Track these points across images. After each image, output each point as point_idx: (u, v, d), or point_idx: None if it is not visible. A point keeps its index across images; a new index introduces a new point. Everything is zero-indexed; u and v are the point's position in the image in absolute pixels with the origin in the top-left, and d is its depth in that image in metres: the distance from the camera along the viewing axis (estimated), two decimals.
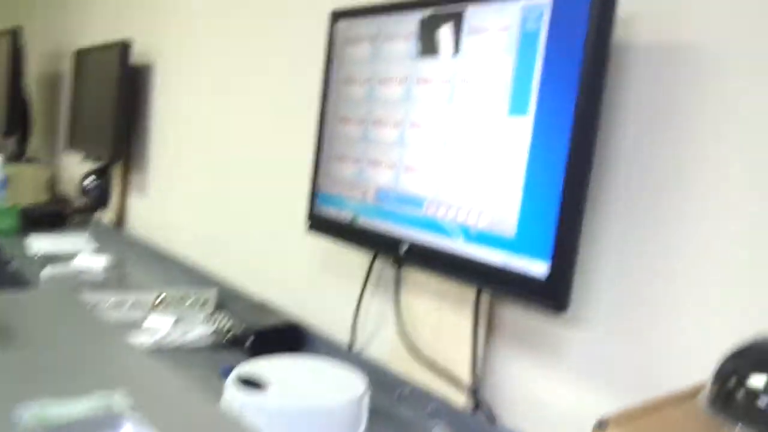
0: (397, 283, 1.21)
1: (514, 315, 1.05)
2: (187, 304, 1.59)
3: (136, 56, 2.39)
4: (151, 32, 2.36)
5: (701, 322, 0.83)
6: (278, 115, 1.68)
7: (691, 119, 0.84)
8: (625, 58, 0.91)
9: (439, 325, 1.13)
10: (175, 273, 1.94)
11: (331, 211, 1.25)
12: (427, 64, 1.04)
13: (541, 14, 0.87)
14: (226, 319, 1.47)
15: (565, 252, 0.83)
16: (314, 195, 1.30)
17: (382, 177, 1.12)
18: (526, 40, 0.89)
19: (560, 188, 0.83)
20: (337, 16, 1.25)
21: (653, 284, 0.88)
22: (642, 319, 0.89)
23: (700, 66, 0.83)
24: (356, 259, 1.39)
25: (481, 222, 0.94)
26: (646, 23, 0.89)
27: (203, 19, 2.07)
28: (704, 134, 0.83)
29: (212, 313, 1.54)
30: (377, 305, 1.32)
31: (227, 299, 1.65)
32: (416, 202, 1.05)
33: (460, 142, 0.98)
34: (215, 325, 1.43)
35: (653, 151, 0.88)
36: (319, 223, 1.28)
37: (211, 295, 1.63)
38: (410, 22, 1.08)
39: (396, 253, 1.07)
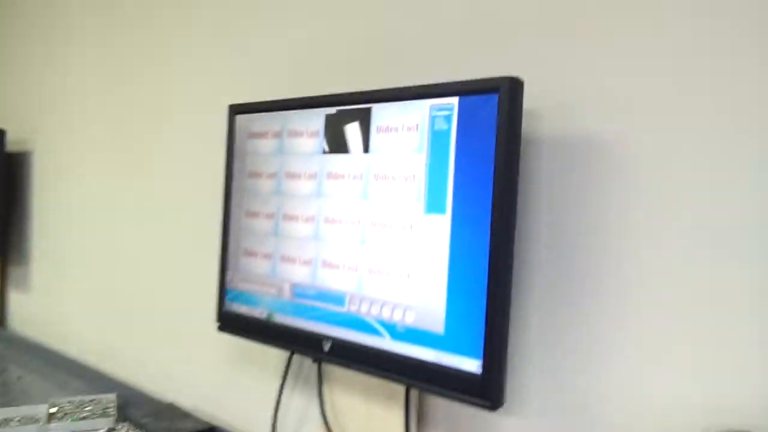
0: (320, 378, 1.18)
1: (445, 406, 1.04)
2: (85, 413, 1.46)
3: (12, 144, 2.24)
4: (29, 119, 2.22)
5: (631, 406, 0.85)
6: (179, 205, 1.61)
7: (600, 206, 0.89)
8: (532, 151, 0.95)
9: (368, 421, 1.11)
10: (69, 377, 1.79)
11: (243, 309, 1.20)
12: (338, 160, 1.04)
13: (450, 114, 0.89)
14: (132, 427, 1.36)
15: (496, 349, 0.83)
16: (223, 292, 1.24)
17: (297, 273, 1.10)
18: (437, 139, 0.91)
19: (485, 284, 0.84)
20: (235, 110, 1.23)
21: (579, 367, 0.90)
22: (573, 403, 0.90)
23: (604, 155, 0.88)
24: (272, 353, 1.34)
25: (407, 319, 0.93)
26: (549, 117, 0.93)
27: (84, 101, 1.98)
28: (614, 220, 0.87)
29: (116, 421, 1.43)
30: (298, 401, 1.28)
31: (131, 403, 1.54)
32: (337, 298, 1.03)
33: (379, 238, 0.97)
34: None
35: (567, 240, 0.91)
36: (230, 322, 1.22)
37: (113, 400, 1.52)
38: (315, 119, 1.08)
39: (319, 352, 1.04)
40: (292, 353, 1.25)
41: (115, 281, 1.82)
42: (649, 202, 0.84)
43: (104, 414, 1.45)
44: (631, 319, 0.85)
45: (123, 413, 1.47)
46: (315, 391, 1.23)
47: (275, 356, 1.33)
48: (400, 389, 1.05)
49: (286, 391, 1.30)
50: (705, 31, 0.80)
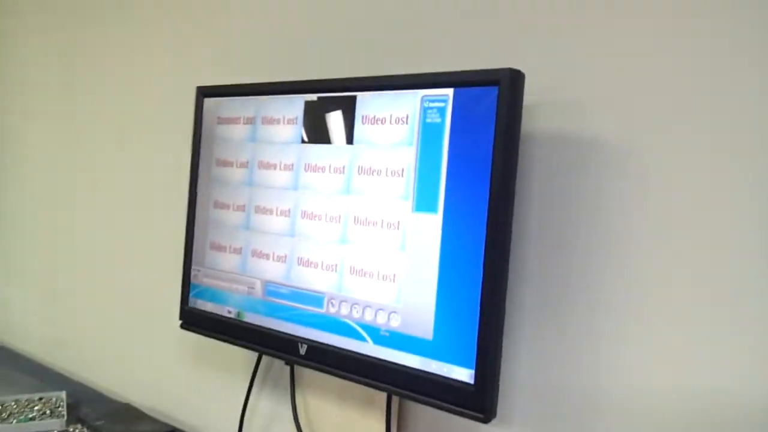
0: (293, 381, 1.11)
1: (425, 411, 1.00)
2: (33, 413, 1.36)
3: None
4: None
5: (623, 412, 0.82)
6: (140, 190, 1.52)
7: (595, 207, 0.84)
8: (525, 148, 0.90)
9: (343, 426, 1.05)
10: (13, 372, 1.67)
11: (208, 306, 1.13)
12: (318, 150, 0.97)
13: (444, 106, 0.83)
14: (85, 430, 1.27)
15: (490, 358, 0.79)
16: (187, 287, 1.16)
17: (270, 270, 1.03)
18: (429, 132, 0.85)
19: (479, 289, 0.79)
20: (204, 93, 1.15)
21: (570, 375, 0.86)
22: (561, 411, 0.87)
23: (601, 156, 0.84)
24: (239, 352, 1.27)
25: (392, 323, 0.88)
26: (544, 113, 0.89)
27: (39, 81, 1.85)
28: (609, 221, 0.83)
29: (67, 423, 1.33)
30: (267, 403, 1.21)
31: (83, 403, 1.44)
32: (314, 299, 0.97)
33: (362, 236, 0.91)
34: None
35: (560, 243, 0.87)
36: (194, 319, 1.15)
37: (63, 398, 1.42)
38: (293, 106, 1.00)
39: (294, 355, 0.98)
40: (261, 355, 1.18)
41: (64, 268, 1.71)
42: (649, 202, 0.80)
43: (54, 414, 1.35)
44: (628, 323, 0.82)
45: (74, 413, 1.37)
46: (285, 393, 1.17)
47: (242, 356, 1.26)
48: (378, 394, 1.00)
49: (254, 392, 1.23)
50: (710, 28, 0.76)
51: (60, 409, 1.38)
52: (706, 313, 0.76)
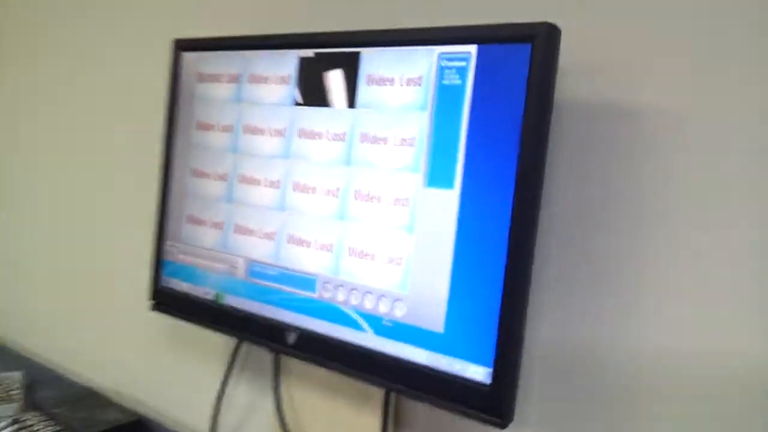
0: (277, 371, 1.01)
1: (426, 408, 0.90)
2: None
3: None
4: None
5: (639, 417, 0.73)
6: (107, 153, 1.38)
7: (628, 183, 0.75)
8: (555, 115, 0.80)
9: (333, 423, 0.95)
10: None
11: (184, 286, 1.01)
12: (314, 114, 0.86)
13: (465, 66, 0.72)
14: (43, 417, 1.15)
15: (511, 355, 0.69)
16: (159, 265, 1.05)
17: (256, 248, 0.91)
18: (446, 95, 0.74)
19: (501, 277, 0.69)
20: (182, 46, 1.02)
21: (596, 364, 0.77)
22: (580, 411, 0.78)
23: (638, 124, 0.74)
24: (216, 335, 1.15)
25: (396, 312, 0.77)
26: (574, 76, 0.78)
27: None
28: (645, 194, 0.74)
29: (23, 408, 1.21)
30: (246, 394, 1.10)
31: (40, 385, 1.32)
32: (305, 282, 0.86)
33: (363, 212, 0.80)
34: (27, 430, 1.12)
35: (587, 214, 0.78)
36: (167, 300, 1.03)
37: (18, 380, 1.30)
38: (286, 62, 0.88)
39: (281, 344, 0.87)
40: (240, 341, 1.07)
41: (21, 237, 1.57)
42: (687, 173, 0.71)
43: (8, 398, 1.23)
44: (666, 296, 0.72)
45: (30, 398, 1.25)
46: (266, 383, 1.06)
47: (219, 341, 1.15)
48: (372, 389, 0.90)
49: (231, 381, 1.12)
50: None
51: (14, 392, 1.25)
52: (753, 283, 0.67)
